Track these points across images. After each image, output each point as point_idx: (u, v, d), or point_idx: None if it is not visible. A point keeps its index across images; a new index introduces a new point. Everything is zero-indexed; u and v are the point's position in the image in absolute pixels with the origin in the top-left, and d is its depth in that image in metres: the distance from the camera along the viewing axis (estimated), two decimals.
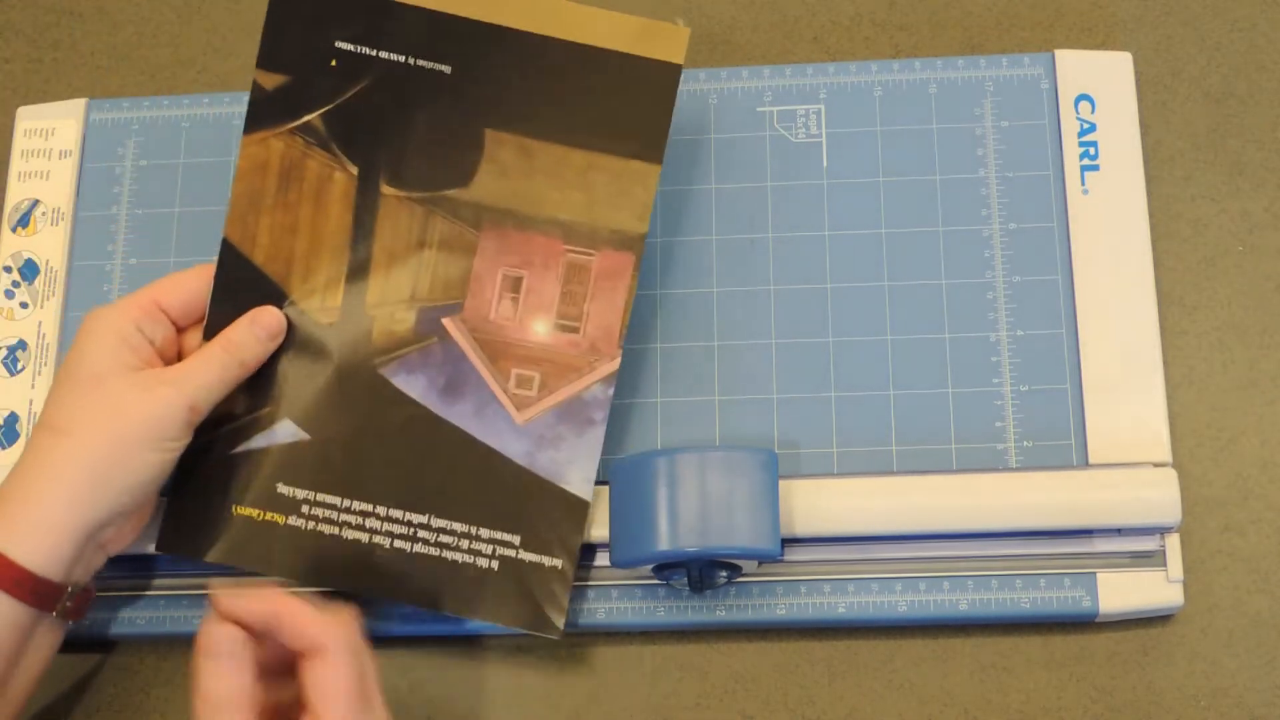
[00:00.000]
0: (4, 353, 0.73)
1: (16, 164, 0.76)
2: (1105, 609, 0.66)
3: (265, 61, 0.67)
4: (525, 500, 0.65)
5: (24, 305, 0.73)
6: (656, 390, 0.70)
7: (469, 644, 0.69)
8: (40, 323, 0.73)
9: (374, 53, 0.67)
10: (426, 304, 0.66)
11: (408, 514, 0.65)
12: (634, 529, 0.64)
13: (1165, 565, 0.66)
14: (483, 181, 0.67)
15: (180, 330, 0.66)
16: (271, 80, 0.67)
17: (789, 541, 0.65)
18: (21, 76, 0.81)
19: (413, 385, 0.66)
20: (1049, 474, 0.66)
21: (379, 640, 0.68)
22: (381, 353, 0.66)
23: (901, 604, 0.67)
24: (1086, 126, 0.72)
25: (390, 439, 0.65)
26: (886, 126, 0.73)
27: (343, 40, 0.67)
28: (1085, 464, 0.67)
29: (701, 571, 0.65)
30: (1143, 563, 0.66)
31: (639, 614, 0.67)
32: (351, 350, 0.66)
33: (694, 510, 0.63)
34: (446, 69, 0.67)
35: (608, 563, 0.66)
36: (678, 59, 0.67)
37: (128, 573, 0.68)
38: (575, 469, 0.65)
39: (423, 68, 0.67)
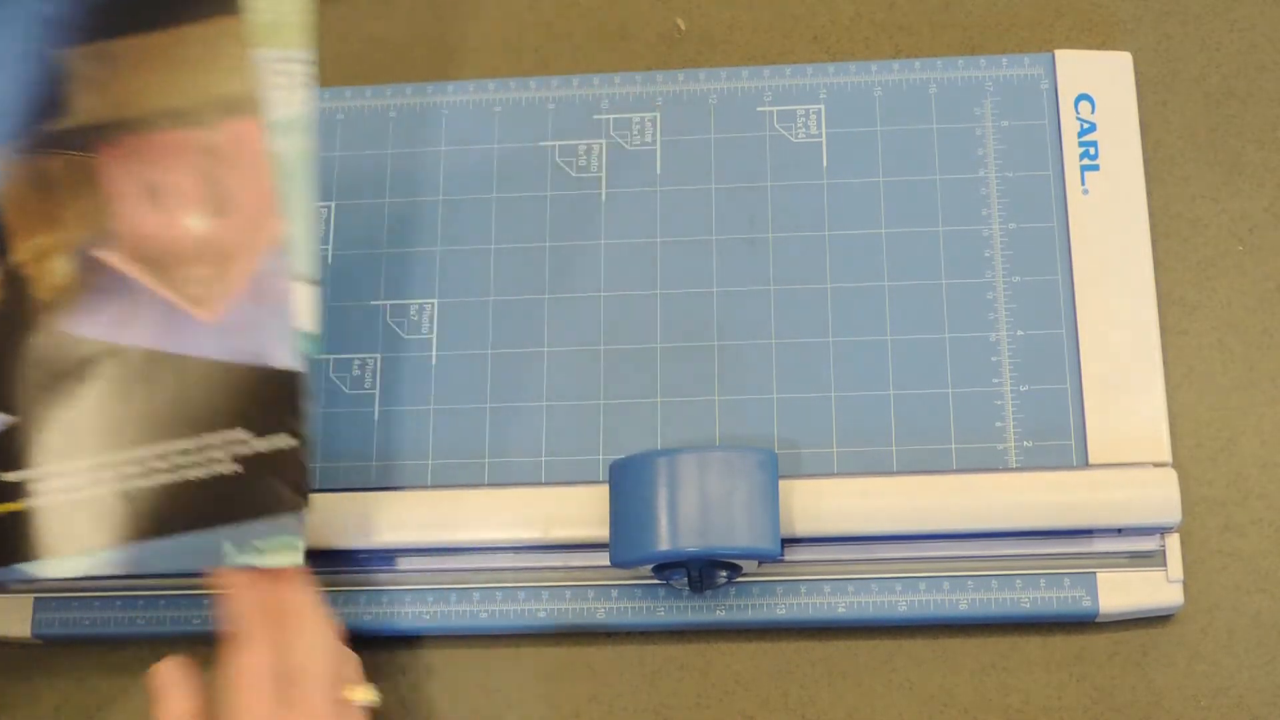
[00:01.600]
0: None
1: None
2: (1105, 609, 0.66)
3: None
4: (238, 393, 0.62)
5: None
6: (656, 390, 0.70)
7: (469, 644, 0.69)
8: None
9: None
10: (77, 244, 0.63)
11: (136, 451, 0.62)
12: (633, 529, 0.64)
13: (1165, 565, 0.66)
14: (79, 103, 0.63)
15: None
16: None
17: (789, 541, 0.65)
18: None
19: (94, 327, 0.62)
20: (1049, 474, 0.66)
21: (379, 638, 0.68)
22: (53, 308, 0.63)
23: (901, 604, 0.67)
24: (1086, 126, 0.72)
25: (91, 387, 0.62)
26: (886, 126, 0.73)
27: None
28: (1085, 464, 0.67)
29: (701, 571, 0.65)
30: (1143, 563, 0.66)
31: (639, 614, 0.67)
32: (23, 316, 0.63)
33: (694, 510, 0.63)
34: None
35: (607, 562, 0.66)
36: None
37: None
38: (276, 344, 0.61)
39: None
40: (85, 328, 0.63)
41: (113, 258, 0.63)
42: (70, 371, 0.63)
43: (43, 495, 0.63)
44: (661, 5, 0.79)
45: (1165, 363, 0.69)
